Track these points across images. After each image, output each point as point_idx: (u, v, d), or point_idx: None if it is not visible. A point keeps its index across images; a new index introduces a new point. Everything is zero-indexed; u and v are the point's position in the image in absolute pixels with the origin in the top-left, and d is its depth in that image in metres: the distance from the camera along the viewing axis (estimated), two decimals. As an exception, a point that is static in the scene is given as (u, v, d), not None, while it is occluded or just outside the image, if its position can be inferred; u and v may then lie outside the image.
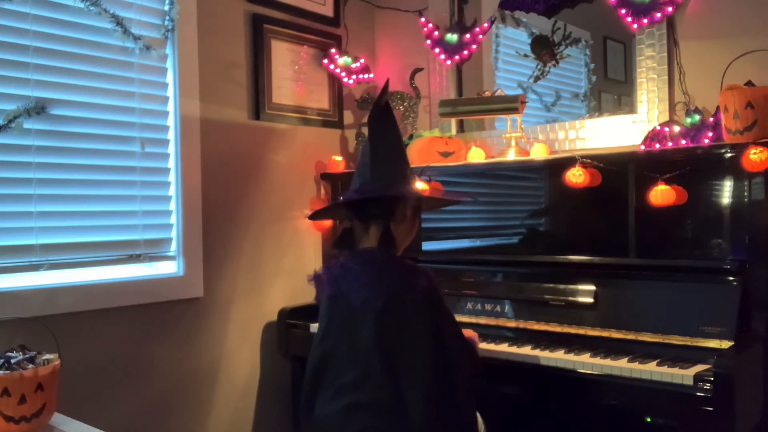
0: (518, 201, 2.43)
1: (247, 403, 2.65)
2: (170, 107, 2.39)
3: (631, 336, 1.95)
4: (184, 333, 2.43)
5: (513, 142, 2.46)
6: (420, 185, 2.36)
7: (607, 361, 1.84)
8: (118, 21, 2.17)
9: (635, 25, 2.30)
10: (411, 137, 2.73)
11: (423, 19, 2.80)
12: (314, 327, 1.80)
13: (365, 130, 2.85)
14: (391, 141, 1.71)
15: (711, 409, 1.62)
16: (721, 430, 1.62)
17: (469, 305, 2.31)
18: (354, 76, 2.90)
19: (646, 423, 1.79)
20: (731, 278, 1.85)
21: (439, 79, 2.88)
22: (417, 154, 2.54)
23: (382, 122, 1.71)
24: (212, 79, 2.51)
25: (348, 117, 3.05)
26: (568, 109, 2.67)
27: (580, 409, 2.01)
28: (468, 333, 1.92)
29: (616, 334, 1.98)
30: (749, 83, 1.94)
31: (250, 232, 2.65)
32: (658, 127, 2.13)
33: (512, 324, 2.20)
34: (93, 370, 2.16)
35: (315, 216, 1.97)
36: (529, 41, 2.70)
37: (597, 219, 2.17)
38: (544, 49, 2.66)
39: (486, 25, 2.70)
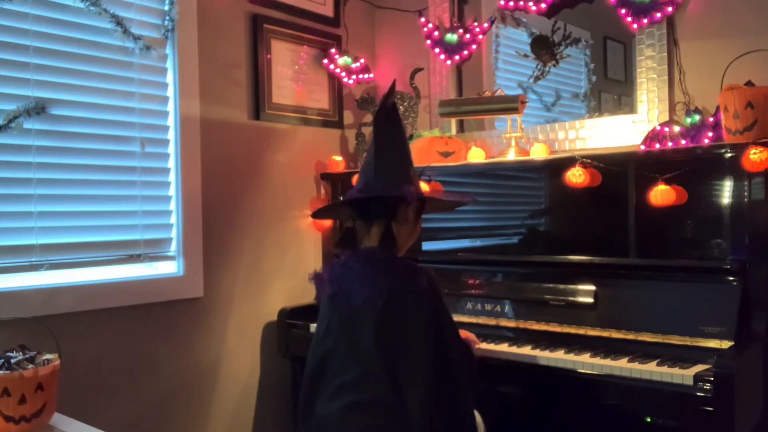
0: (518, 201, 2.43)
1: (247, 403, 2.65)
2: (170, 107, 2.39)
3: (631, 336, 1.95)
4: (184, 333, 2.43)
5: (513, 142, 2.46)
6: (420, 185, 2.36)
7: (607, 361, 1.84)
8: (118, 21, 2.17)
9: (635, 25, 2.30)
10: (411, 137, 2.72)
11: (423, 19, 2.80)
12: (314, 327, 1.80)
13: (365, 130, 2.87)
14: (396, 142, 1.72)
15: (711, 409, 1.62)
16: (721, 430, 1.62)
17: (469, 305, 2.31)
18: (354, 76, 2.90)
19: (646, 423, 1.79)
20: (731, 278, 1.85)
21: (439, 79, 2.88)
22: (417, 154, 2.53)
23: (388, 123, 1.71)
24: (212, 79, 2.51)
25: (348, 117, 3.05)
26: (568, 109, 2.66)
27: (580, 409, 2.01)
28: (465, 334, 1.92)
29: (616, 334, 1.98)
30: (749, 83, 1.94)
31: (250, 231, 2.65)
32: (658, 127, 2.13)
33: (512, 324, 2.20)
34: (93, 370, 2.16)
35: (318, 214, 1.97)
36: (529, 41, 2.70)
37: (597, 219, 2.17)
38: (544, 49, 2.66)
39: (486, 25, 2.70)
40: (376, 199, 1.68)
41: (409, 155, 1.77)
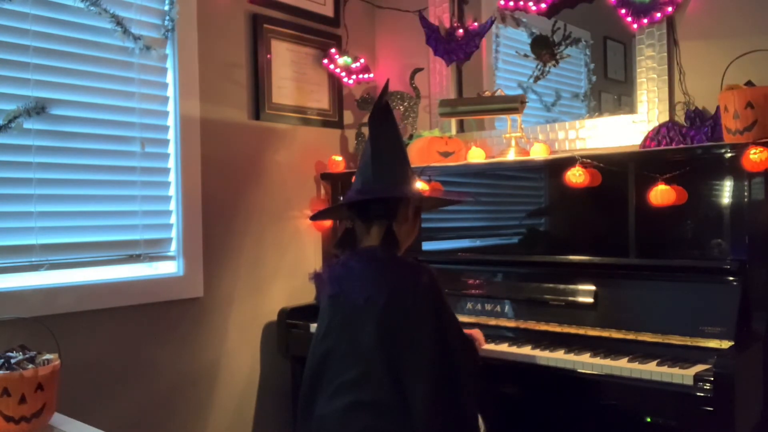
0: (518, 201, 2.43)
1: (247, 403, 2.65)
2: (170, 107, 2.39)
3: (631, 336, 1.95)
4: (184, 333, 2.43)
5: (513, 142, 2.46)
6: (420, 185, 2.37)
7: (607, 361, 1.84)
8: (118, 21, 2.17)
9: (635, 25, 2.30)
10: (411, 137, 2.73)
11: (423, 19, 2.80)
12: (314, 327, 1.80)
13: (365, 130, 2.86)
14: (391, 141, 1.72)
15: (711, 409, 1.62)
16: (721, 430, 1.62)
17: (469, 305, 2.31)
18: (354, 76, 2.90)
19: (646, 423, 1.79)
20: (731, 278, 1.85)
21: (439, 79, 2.88)
22: (417, 154, 2.54)
23: (383, 122, 1.72)
24: (212, 79, 2.51)
25: (348, 117, 3.05)
26: (568, 109, 2.67)
27: (580, 409, 2.01)
28: (472, 333, 1.92)
29: (616, 334, 1.98)
30: (749, 83, 1.94)
31: (250, 232, 2.65)
32: (658, 127, 2.13)
33: (512, 324, 2.20)
34: (93, 370, 2.16)
35: (316, 217, 1.97)
36: (529, 41, 2.70)
37: (597, 219, 2.17)
38: (544, 49, 2.66)
39: (486, 25, 2.70)
40: (375, 200, 1.68)
41: (405, 154, 1.77)
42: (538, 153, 2.37)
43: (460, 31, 2.73)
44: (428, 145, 2.57)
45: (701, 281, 1.90)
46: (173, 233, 2.40)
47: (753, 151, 1.76)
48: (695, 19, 2.23)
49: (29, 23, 2.04)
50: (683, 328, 1.86)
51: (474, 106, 2.55)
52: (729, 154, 1.87)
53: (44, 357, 1.68)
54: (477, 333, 1.97)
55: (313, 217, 1.96)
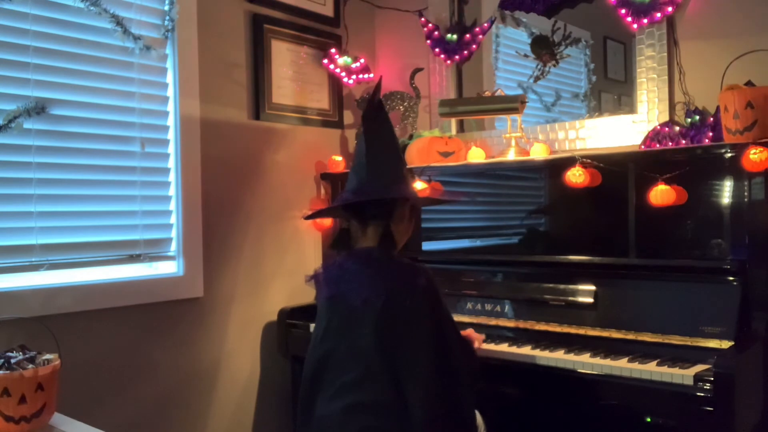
0: (518, 201, 2.43)
1: (247, 403, 2.65)
2: (170, 107, 2.39)
3: (631, 336, 1.95)
4: (184, 333, 2.43)
5: (513, 142, 2.46)
6: (420, 185, 2.37)
7: (607, 361, 1.84)
8: (118, 21, 2.17)
9: (635, 25, 2.30)
10: (411, 137, 2.72)
11: (423, 19, 2.80)
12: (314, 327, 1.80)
13: (365, 130, 2.86)
14: (385, 139, 1.71)
15: (711, 409, 1.62)
16: (721, 430, 1.62)
17: (469, 305, 2.31)
18: (354, 76, 2.90)
19: (646, 423, 1.79)
20: (731, 278, 1.85)
21: (439, 79, 2.88)
22: (417, 154, 2.54)
23: (376, 120, 1.71)
24: (212, 79, 2.51)
25: (348, 117, 3.05)
26: (568, 109, 2.66)
27: (580, 409, 2.01)
28: (469, 333, 1.92)
29: (616, 334, 1.98)
30: (749, 83, 1.94)
31: (250, 232, 2.65)
32: (658, 127, 2.13)
33: (512, 324, 2.20)
34: (93, 370, 2.16)
35: (311, 217, 1.97)
36: (529, 41, 2.70)
37: (597, 219, 2.17)
38: (544, 49, 2.66)
39: (486, 25, 2.70)
40: (371, 201, 1.67)
41: (399, 152, 1.76)
42: (538, 153, 2.37)
43: (460, 31, 2.73)
44: (428, 145, 2.57)
45: (701, 281, 1.90)
46: (173, 233, 2.40)
47: (753, 151, 1.76)
48: (695, 19, 2.23)
49: (29, 23, 2.04)
50: (683, 328, 1.86)
51: (474, 106, 2.55)
52: (729, 154, 1.87)
53: (44, 357, 1.68)
54: (472, 332, 1.96)
55: (308, 217, 1.95)
